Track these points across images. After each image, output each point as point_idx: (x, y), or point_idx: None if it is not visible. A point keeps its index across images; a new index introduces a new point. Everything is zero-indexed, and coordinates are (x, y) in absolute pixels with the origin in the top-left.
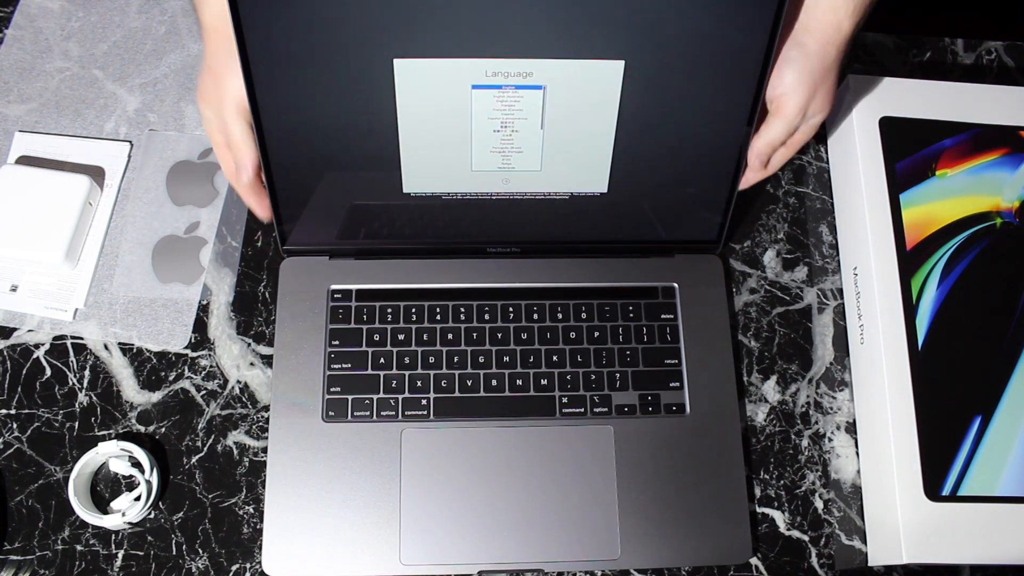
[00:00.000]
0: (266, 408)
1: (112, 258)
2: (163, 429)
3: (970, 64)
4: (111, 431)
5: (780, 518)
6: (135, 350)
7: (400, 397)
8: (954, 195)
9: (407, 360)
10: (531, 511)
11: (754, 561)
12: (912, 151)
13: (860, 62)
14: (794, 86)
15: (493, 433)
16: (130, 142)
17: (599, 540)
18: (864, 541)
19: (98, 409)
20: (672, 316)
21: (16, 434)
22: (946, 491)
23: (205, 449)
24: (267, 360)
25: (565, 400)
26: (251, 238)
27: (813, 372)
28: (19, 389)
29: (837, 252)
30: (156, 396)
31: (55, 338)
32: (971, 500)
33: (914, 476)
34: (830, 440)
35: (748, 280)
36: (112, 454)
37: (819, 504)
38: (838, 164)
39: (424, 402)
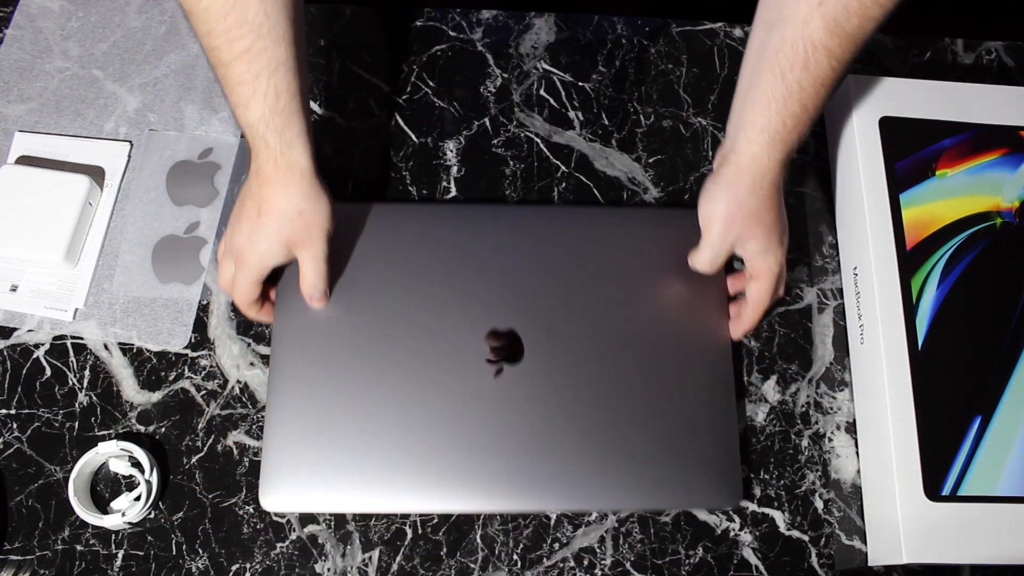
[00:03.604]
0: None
1: (112, 258)
2: (163, 429)
3: (970, 64)
4: (111, 431)
5: (780, 518)
6: (135, 350)
7: None
8: (954, 195)
9: None
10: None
11: (754, 561)
12: (912, 151)
13: (860, 62)
14: (719, 213)
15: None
16: (130, 142)
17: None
18: (864, 541)
19: (98, 409)
20: None
21: (16, 434)
22: (946, 491)
23: (205, 449)
24: (267, 360)
25: None
26: None
27: (813, 372)
28: (19, 389)
29: (837, 252)
30: (156, 396)
31: (55, 338)
32: (971, 500)
33: (914, 476)
34: (830, 440)
35: None
36: (112, 454)
37: (819, 504)
38: (838, 164)
39: None
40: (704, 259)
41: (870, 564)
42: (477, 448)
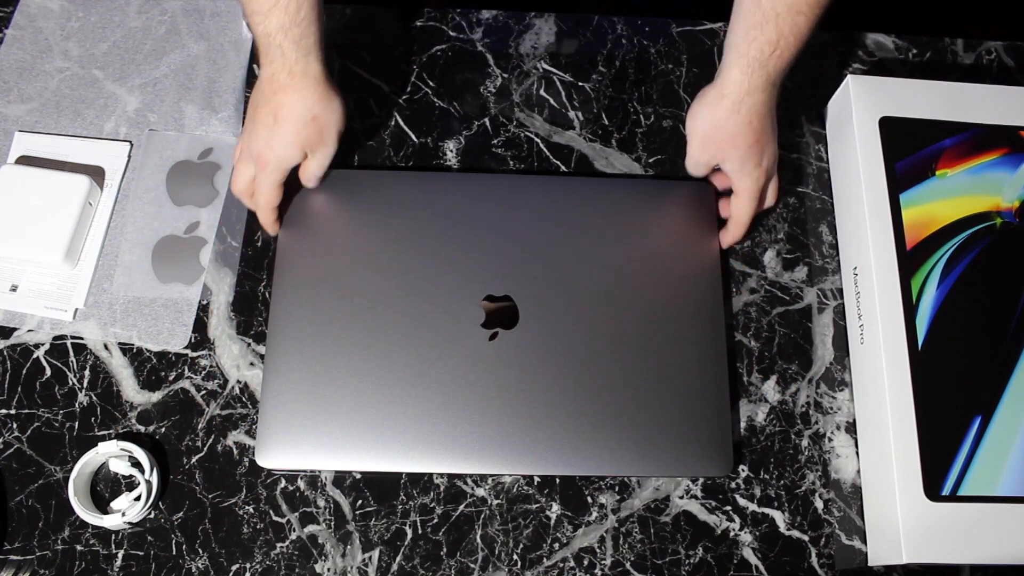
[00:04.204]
0: None
1: (112, 258)
2: (163, 429)
3: (970, 64)
4: (111, 431)
5: (780, 518)
6: (135, 350)
7: None
8: (954, 195)
9: None
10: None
11: (754, 561)
12: (912, 151)
13: (860, 62)
14: (698, 131)
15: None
16: (130, 142)
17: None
18: (864, 541)
19: (98, 409)
20: None
21: (16, 434)
22: (946, 491)
23: (205, 449)
24: None
25: None
26: (251, 238)
27: (813, 372)
28: (19, 389)
29: (837, 252)
30: (156, 396)
31: (55, 338)
32: (971, 500)
33: (914, 476)
34: (830, 440)
35: (748, 280)
36: (112, 454)
37: (819, 504)
38: (838, 164)
39: None
40: (688, 165)
41: (870, 564)
42: (470, 411)
